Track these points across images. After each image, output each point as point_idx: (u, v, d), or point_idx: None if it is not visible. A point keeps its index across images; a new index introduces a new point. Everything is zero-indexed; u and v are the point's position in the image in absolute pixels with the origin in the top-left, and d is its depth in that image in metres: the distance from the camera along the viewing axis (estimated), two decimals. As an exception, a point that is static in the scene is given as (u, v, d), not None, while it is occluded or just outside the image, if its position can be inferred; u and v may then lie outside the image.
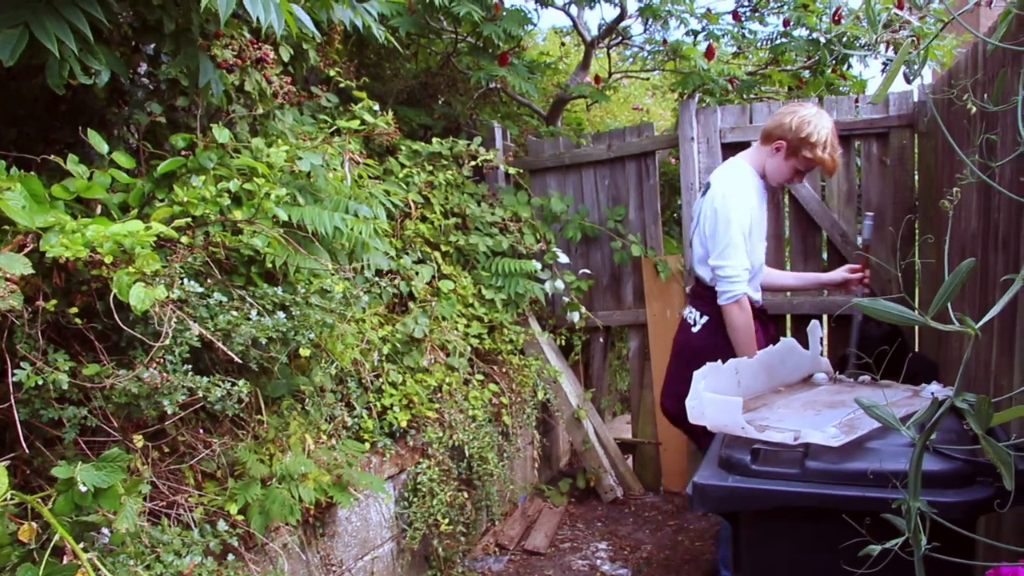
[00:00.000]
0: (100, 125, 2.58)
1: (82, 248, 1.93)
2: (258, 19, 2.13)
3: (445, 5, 4.33)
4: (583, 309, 4.89)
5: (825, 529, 1.83)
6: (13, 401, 1.92)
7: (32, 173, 2.07)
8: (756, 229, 3.13)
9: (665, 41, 5.85)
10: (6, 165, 2.03)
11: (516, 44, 5.26)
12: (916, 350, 4.03)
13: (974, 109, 1.44)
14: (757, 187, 3.16)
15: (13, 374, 1.88)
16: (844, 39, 4.45)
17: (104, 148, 2.30)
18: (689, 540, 4.17)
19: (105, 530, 2.03)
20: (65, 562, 1.81)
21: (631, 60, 7.18)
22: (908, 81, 1.18)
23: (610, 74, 6.15)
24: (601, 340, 5.14)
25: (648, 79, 7.52)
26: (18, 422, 1.92)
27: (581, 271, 4.93)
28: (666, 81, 7.47)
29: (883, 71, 5.32)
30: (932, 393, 2.34)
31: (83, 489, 1.82)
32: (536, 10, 5.36)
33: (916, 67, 1.18)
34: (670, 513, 4.55)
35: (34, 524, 1.86)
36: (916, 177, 4.13)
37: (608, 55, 6.30)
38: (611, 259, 4.89)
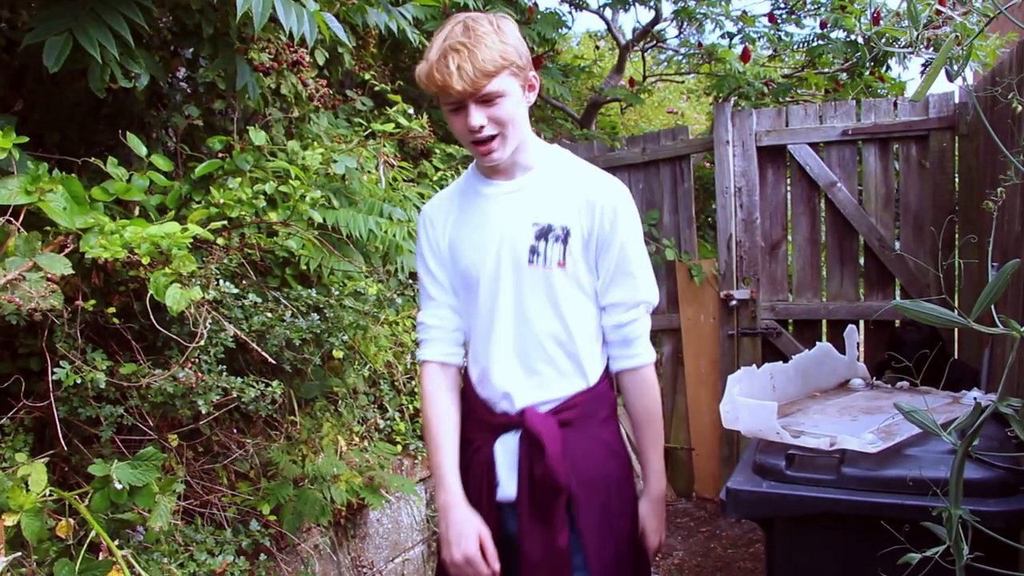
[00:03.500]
0: (139, 128, 2.61)
1: (120, 249, 1.95)
2: (291, 29, 2.15)
3: (479, 8, 4.34)
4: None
5: (861, 536, 1.80)
6: (53, 399, 1.95)
7: (73, 175, 2.11)
8: (457, 256, 1.81)
9: (700, 44, 5.82)
10: (49, 167, 2.07)
11: (550, 47, 5.26)
12: (956, 357, 3.95)
13: (1020, 108, 1.41)
14: (457, 189, 1.88)
15: (53, 372, 1.92)
16: (883, 39, 4.39)
17: (143, 151, 2.33)
18: (721, 547, 4.12)
19: (140, 528, 2.06)
20: (100, 558, 1.84)
21: (665, 63, 7.15)
22: (950, 79, 1.16)
23: (644, 77, 6.13)
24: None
25: (683, 82, 7.49)
26: (57, 420, 1.95)
27: (614, 275, 4.90)
28: (700, 85, 7.43)
29: (922, 72, 5.25)
30: (975, 399, 2.29)
31: (119, 487, 1.84)
32: (571, 13, 5.37)
33: (959, 65, 1.16)
34: (702, 519, 4.51)
35: (71, 520, 1.89)
36: (956, 181, 4.05)
37: (643, 58, 6.28)
38: (644, 263, 4.86)
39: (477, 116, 1.61)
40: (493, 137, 1.65)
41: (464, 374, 1.86)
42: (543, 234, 1.71)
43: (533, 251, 1.71)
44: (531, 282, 1.71)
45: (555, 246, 1.71)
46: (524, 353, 1.74)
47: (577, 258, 1.71)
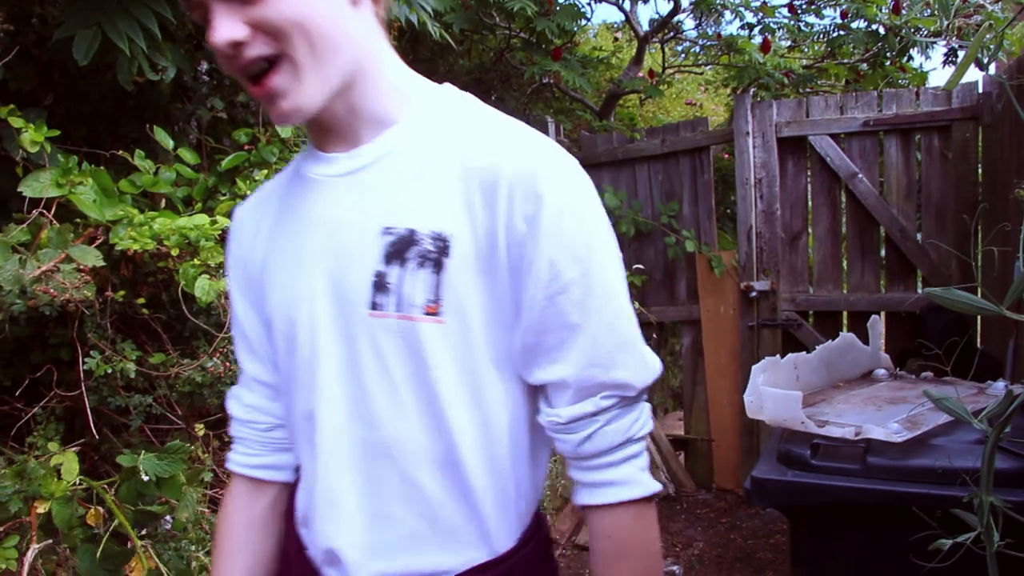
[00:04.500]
0: (164, 121, 2.64)
1: (149, 241, 1.98)
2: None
3: (499, 0, 4.34)
4: (636, 305, 4.87)
5: (885, 526, 1.80)
6: (83, 388, 1.98)
7: (102, 168, 2.14)
8: (266, 294, 0.99)
9: (719, 35, 5.79)
10: (78, 160, 2.10)
11: (569, 39, 5.25)
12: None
13: (1048, 97, 1.40)
14: (286, 175, 1.05)
15: (84, 362, 1.95)
16: (905, 29, 4.35)
17: (170, 144, 2.35)
18: (741, 538, 4.12)
19: (168, 516, 2.09)
20: (129, 547, 1.86)
21: (684, 55, 7.12)
22: (981, 68, 1.16)
23: (663, 69, 6.11)
24: (654, 336, 5.10)
25: (701, 74, 7.45)
26: (88, 409, 1.98)
27: (634, 266, 4.90)
28: (719, 76, 7.39)
29: (944, 63, 5.20)
30: (1005, 387, 2.28)
31: (145, 478, 1.87)
32: (589, 5, 5.37)
33: (990, 54, 1.15)
34: (722, 510, 4.51)
35: (100, 509, 1.92)
36: (979, 171, 4.02)
37: (661, 50, 6.26)
38: (664, 255, 4.85)
39: (225, 22, 0.82)
40: (272, 64, 0.84)
41: (290, 502, 1.06)
42: (399, 250, 0.86)
43: (379, 285, 0.87)
44: (378, 346, 0.87)
45: (419, 274, 0.86)
46: (368, 481, 0.90)
47: (470, 296, 0.86)
